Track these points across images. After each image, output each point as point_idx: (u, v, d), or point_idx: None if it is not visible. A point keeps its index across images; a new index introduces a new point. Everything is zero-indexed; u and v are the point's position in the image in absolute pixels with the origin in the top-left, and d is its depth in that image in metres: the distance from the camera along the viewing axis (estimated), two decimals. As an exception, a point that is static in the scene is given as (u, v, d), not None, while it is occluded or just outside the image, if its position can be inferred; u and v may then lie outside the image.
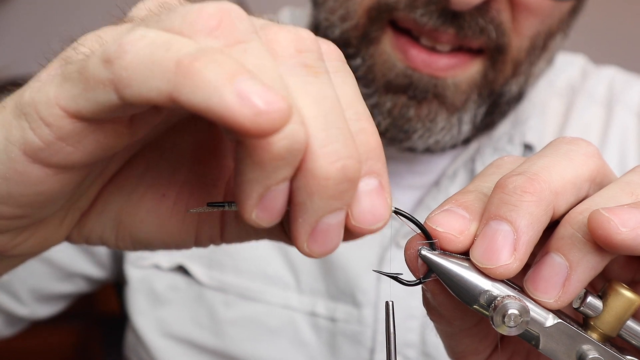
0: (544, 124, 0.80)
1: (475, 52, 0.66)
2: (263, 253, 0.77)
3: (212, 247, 0.73)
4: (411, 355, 0.75)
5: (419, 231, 0.37)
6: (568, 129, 0.80)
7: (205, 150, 0.40)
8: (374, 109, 0.66)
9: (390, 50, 0.65)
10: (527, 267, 0.37)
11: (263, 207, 0.30)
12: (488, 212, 0.36)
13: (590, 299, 0.37)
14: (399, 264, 0.74)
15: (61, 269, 0.81)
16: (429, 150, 0.70)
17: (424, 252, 0.36)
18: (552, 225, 0.37)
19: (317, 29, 0.70)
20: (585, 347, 0.36)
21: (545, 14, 0.66)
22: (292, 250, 0.76)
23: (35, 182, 0.33)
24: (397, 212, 0.37)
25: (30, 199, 0.34)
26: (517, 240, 0.35)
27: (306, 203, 0.31)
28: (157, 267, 0.78)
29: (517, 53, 0.67)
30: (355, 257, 0.75)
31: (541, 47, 0.68)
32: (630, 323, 0.37)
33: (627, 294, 0.37)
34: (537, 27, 0.66)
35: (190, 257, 0.77)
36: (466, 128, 0.68)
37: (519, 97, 0.71)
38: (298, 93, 0.30)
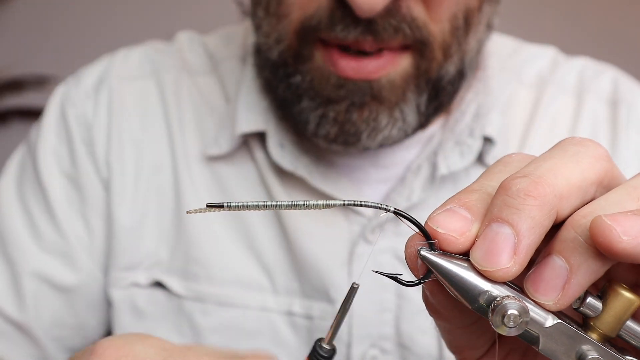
0: (510, 116, 0.81)
1: (402, 48, 0.68)
2: (235, 259, 0.79)
3: (185, 259, 0.80)
4: (388, 347, 0.76)
5: (417, 231, 0.37)
6: (537, 120, 0.81)
7: None
8: (321, 119, 0.70)
9: (323, 65, 0.69)
10: (529, 265, 0.36)
11: None
12: (490, 214, 0.36)
13: (589, 299, 0.37)
14: (371, 261, 0.76)
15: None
16: (382, 146, 0.73)
17: (424, 253, 0.36)
18: (557, 226, 0.37)
19: (259, 51, 0.75)
20: (584, 347, 0.36)
21: None
22: (264, 253, 0.79)
23: None
24: (396, 212, 0.37)
25: None
26: (517, 243, 0.35)
27: None
28: (137, 284, 0.80)
29: (442, 38, 0.68)
30: (326, 253, 0.77)
31: (464, 26, 0.70)
32: (630, 323, 0.37)
33: (627, 294, 0.37)
34: (452, 9, 0.68)
35: (167, 271, 0.80)
36: (412, 118, 0.71)
37: (460, 76, 0.73)
38: None
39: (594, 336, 0.37)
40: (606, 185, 0.38)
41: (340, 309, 0.39)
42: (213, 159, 0.81)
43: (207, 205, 0.36)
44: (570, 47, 1.01)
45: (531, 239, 0.35)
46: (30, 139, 0.86)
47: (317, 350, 0.42)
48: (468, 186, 0.40)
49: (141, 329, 0.80)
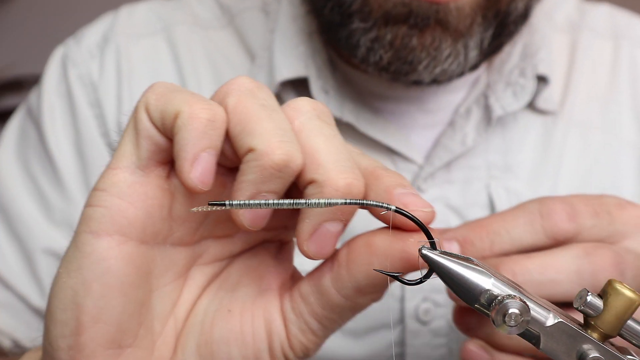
0: (552, 60, 0.77)
1: None
2: None
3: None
4: (440, 300, 0.71)
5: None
6: (577, 65, 0.78)
7: (267, 261, 0.44)
8: (374, 43, 0.63)
9: None
10: None
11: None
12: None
13: (590, 298, 0.37)
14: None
15: None
16: (435, 82, 0.66)
17: (425, 252, 0.37)
18: None
19: None
20: (585, 346, 0.36)
21: None
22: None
23: (103, 258, 0.37)
24: (397, 211, 0.37)
25: (104, 282, 0.37)
26: None
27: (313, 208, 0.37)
28: None
29: None
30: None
31: None
32: (630, 322, 0.37)
33: (628, 293, 0.37)
34: None
35: None
36: (473, 54, 0.65)
37: (525, 15, 0.68)
38: (315, 134, 0.38)
39: (594, 335, 0.37)
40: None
41: None
42: None
43: (209, 204, 0.36)
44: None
45: None
46: (31, 104, 0.79)
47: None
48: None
49: None
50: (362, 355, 0.72)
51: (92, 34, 0.79)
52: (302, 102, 0.40)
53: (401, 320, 0.71)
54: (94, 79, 0.76)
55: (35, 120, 0.78)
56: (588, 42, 0.80)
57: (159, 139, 0.38)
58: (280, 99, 0.74)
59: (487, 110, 0.73)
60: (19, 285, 0.74)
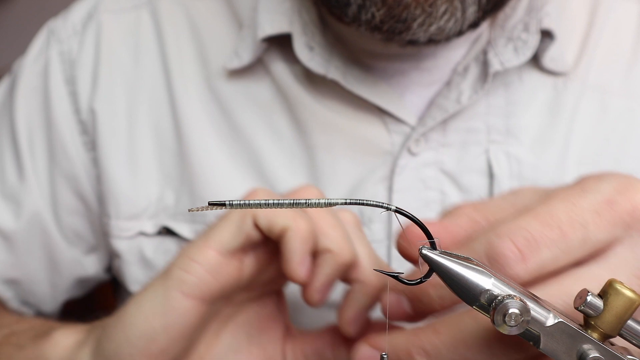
0: (566, 18, 0.72)
1: None
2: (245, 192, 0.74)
3: (191, 200, 0.74)
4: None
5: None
6: (597, 24, 0.72)
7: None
8: (365, 1, 0.60)
9: None
10: None
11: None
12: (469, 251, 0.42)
13: (590, 298, 0.37)
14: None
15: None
16: (432, 41, 0.63)
17: (425, 252, 0.37)
18: None
19: None
20: (585, 346, 0.36)
21: None
22: (281, 181, 0.71)
23: (184, 313, 0.49)
24: (397, 211, 0.37)
25: (178, 329, 0.49)
26: None
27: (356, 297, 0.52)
28: (143, 233, 0.75)
29: None
30: (361, 169, 0.70)
31: None
32: (631, 322, 0.37)
33: (628, 293, 0.37)
34: None
35: (173, 216, 0.74)
36: (472, 10, 0.61)
37: None
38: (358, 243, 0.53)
39: (595, 335, 0.37)
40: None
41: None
42: (217, 85, 0.73)
43: (209, 204, 0.36)
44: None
45: None
46: (13, 72, 0.80)
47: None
48: (464, 207, 0.46)
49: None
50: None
51: (79, 10, 0.78)
52: (348, 214, 0.55)
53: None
54: (73, 57, 0.76)
55: (10, 92, 0.78)
56: (611, 1, 0.75)
57: (257, 238, 0.50)
58: (264, 64, 0.72)
59: (485, 67, 0.68)
60: None
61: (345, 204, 0.36)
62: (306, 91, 0.71)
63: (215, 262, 0.49)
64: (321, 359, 0.55)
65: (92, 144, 0.75)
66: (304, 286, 0.51)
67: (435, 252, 0.37)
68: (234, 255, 0.50)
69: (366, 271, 0.52)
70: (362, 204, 0.37)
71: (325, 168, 0.70)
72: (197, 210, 0.37)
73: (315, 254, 0.51)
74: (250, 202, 0.36)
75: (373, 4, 0.60)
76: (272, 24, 0.69)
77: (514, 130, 0.70)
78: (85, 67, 0.75)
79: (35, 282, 0.78)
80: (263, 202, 0.36)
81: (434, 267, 0.37)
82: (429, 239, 0.37)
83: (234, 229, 0.50)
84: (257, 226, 0.49)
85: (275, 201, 0.36)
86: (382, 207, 0.37)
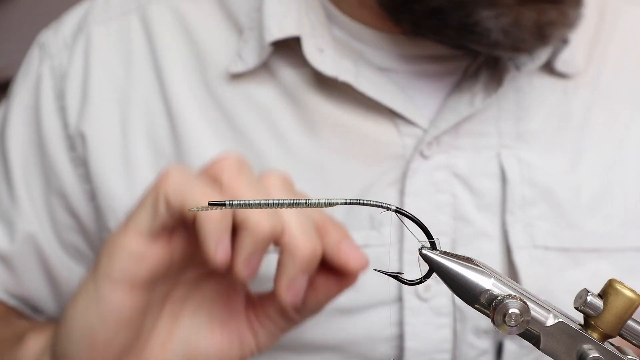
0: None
1: None
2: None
3: None
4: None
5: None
6: (605, 31, 0.72)
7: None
8: (512, 27, 0.61)
9: None
10: None
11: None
12: None
13: (590, 298, 0.37)
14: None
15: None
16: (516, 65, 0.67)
17: (425, 252, 0.37)
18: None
19: None
20: (585, 346, 0.36)
21: None
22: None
23: (117, 302, 0.50)
24: (397, 211, 0.37)
25: (115, 319, 0.50)
26: None
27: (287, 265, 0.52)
28: None
29: None
30: (372, 172, 0.69)
31: None
32: (631, 322, 0.37)
33: (628, 293, 0.37)
34: None
35: None
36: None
37: None
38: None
39: (595, 335, 0.37)
40: None
41: None
42: (217, 89, 0.71)
43: (209, 204, 0.36)
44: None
45: None
46: (10, 90, 0.78)
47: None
48: None
49: None
50: (356, 334, 0.68)
51: (69, 22, 0.77)
52: (274, 177, 0.54)
53: (399, 297, 0.67)
54: (62, 71, 0.74)
55: (4, 110, 0.78)
56: (619, 6, 0.75)
57: (174, 220, 0.50)
58: (268, 67, 0.70)
59: (496, 69, 0.68)
60: None
61: (345, 203, 0.36)
62: (314, 93, 0.70)
63: (136, 247, 0.49)
64: (284, 316, 0.55)
65: (80, 160, 0.73)
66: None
67: (435, 252, 0.37)
68: (157, 238, 0.50)
69: (294, 238, 0.51)
70: (362, 204, 0.37)
71: (335, 171, 0.69)
72: (198, 211, 0.37)
73: (234, 229, 0.50)
74: (250, 202, 0.36)
75: (522, 29, 0.61)
76: (280, 27, 0.67)
77: (525, 135, 0.69)
78: (74, 80, 0.74)
79: (40, 299, 0.77)
80: (263, 202, 0.36)
81: (434, 267, 0.37)
82: (429, 239, 0.37)
83: (150, 212, 0.50)
84: (170, 213, 0.49)
85: (275, 201, 0.36)
86: (382, 207, 0.37)
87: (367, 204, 0.37)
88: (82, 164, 0.73)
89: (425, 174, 0.68)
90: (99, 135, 0.72)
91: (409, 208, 0.66)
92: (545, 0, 0.61)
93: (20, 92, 0.76)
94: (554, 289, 0.68)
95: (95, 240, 0.76)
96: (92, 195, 0.73)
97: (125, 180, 0.72)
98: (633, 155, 0.71)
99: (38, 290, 0.77)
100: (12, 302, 0.77)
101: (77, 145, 0.73)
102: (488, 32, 0.61)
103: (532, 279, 0.67)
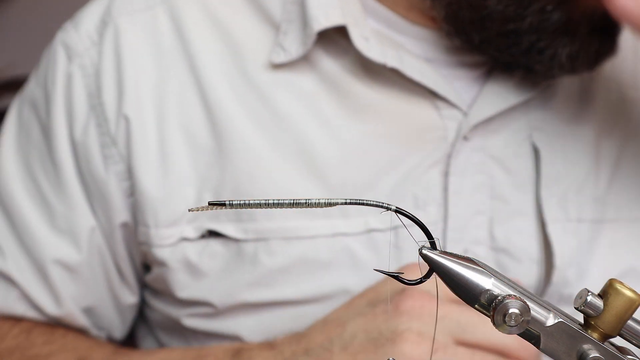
0: None
1: None
2: (294, 184, 0.71)
3: (235, 198, 0.72)
4: (480, 253, 0.71)
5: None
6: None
7: None
8: (580, 53, 0.67)
9: None
10: None
11: None
12: None
13: (590, 298, 0.37)
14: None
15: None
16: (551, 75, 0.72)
17: (425, 252, 0.37)
18: None
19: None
20: (585, 346, 0.36)
21: None
22: (328, 171, 0.71)
23: None
24: (397, 211, 0.37)
25: None
26: None
27: None
28: (186, 239, 0.73)
29: None
30: (413, 153, 0.72)
31: None
32: (631, 322, 0.37)
33: (628, 293, 0.37)
34: None
35: (215, 217, 0.72)
36: None
37: None
38: None
39: (595, 335, 0.37)
40: None
41: None
42: (256, 79, 0.72)
43: (209, 203, 0.36)
44: None
45: None
46: (34, 97, 0.77)
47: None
48: None
49: (200, 285, 0.73)
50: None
51: (90, 17, 0.76)
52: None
53: None
54: (95, 68, 0.74)
55: (39, 115, 0.76)
56: None
57: None
58: (308, 58, 0.72)
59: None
60: (36, 297, 0.75)
61: (346, 204, 0.36)
62: (357, 81, 0.72)
63: None
64: None
65: (119, 156, 0.73)
66: None
67: (435, 252, 0.37)
68: None
69: None
70: (362, 204, 0.37)
71: (378, 154, 0.72)
72: (198, 210, 0.37)
73: None
74: (250, 201, 0.36)
75: (584, 57, 0.68)
76: (326, 17, 0.69)
77: (550, 119, 0.74)
78: (109, 75, 0.73)
79: (105, 307, 0.77)
80: (263, 201, 0.36)
81: (434, 267, 0.36)
82: (429, 239, 0.37)
83: None
84: None
85: (276, 201, 0.36)
86: (382, 207, 0.37)
87: (367, 204, 0.37)
88: (121, 161, 0.73)
89: (465, 155, 0.72)
90: (136, 127, 0.72)
91: (452, 188, 0.71)
92: (606, 32, 0.67)
93: (54, 95, 0.74)
94: (586, 261, 0.72)
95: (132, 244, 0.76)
96: (131, 192, 0.73)
97: (162, 173, 0.72)
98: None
99: (102, 296, 0.77)
100: (81, 320, 0.76)
101: (117, 141, 0.73)
102: (556, 56, 0.67)
103: (566, 252, 0.71)
